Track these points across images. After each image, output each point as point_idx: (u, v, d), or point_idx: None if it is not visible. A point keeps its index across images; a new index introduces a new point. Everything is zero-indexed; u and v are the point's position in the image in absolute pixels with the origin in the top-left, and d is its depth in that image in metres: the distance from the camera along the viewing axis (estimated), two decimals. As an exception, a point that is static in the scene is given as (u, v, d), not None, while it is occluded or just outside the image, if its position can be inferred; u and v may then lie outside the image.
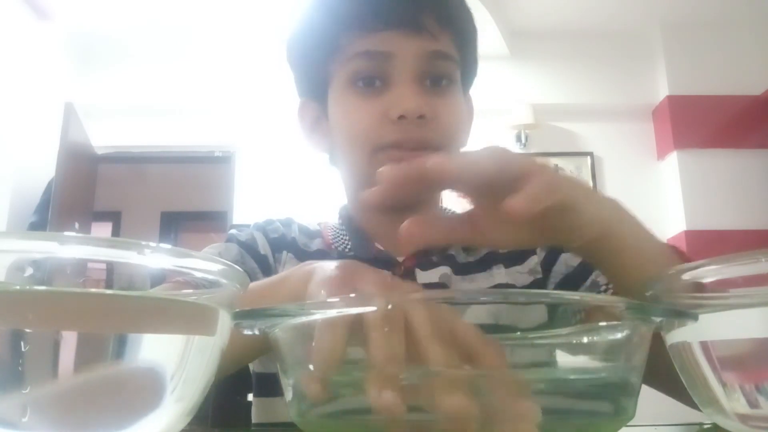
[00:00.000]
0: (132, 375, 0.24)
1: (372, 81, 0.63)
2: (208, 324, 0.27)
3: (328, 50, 0.65)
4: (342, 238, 0.72)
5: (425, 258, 0.69)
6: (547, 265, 0.72)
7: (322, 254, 0.71)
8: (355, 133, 0.64)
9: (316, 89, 0.69)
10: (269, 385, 0.67)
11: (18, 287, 0.23)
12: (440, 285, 0.67)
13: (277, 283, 0.47)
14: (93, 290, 0.25)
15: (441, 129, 0.64)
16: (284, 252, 0.71)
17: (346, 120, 0.65)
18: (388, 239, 0.70)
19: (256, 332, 0.30)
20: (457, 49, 0.66)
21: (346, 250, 0.71)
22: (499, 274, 0.70)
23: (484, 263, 0.72)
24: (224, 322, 0.28)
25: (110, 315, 0.24)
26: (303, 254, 0.71)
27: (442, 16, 0.64)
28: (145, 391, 0.25)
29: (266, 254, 0.70)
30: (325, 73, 0.67)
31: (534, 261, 0.72)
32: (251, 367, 0.71)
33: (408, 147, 0.62)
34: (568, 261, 0.73)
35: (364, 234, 0.71)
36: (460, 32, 0.67)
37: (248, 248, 0.69)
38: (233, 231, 0.73)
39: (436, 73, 0.64)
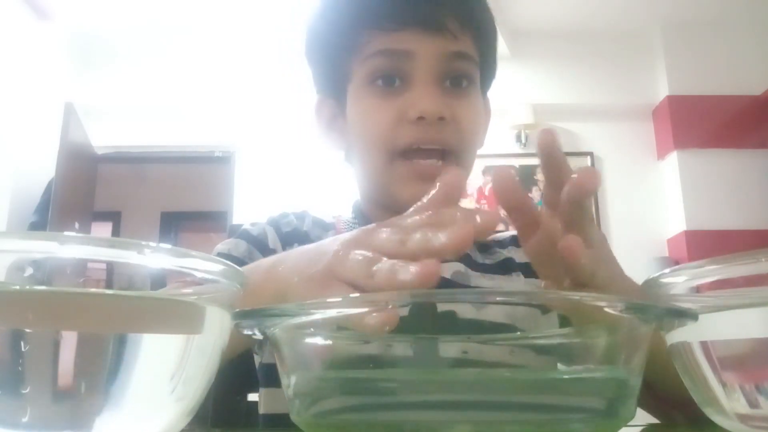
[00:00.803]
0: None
1: (392, 80, 0.63)
2: (211, 325, 0.27)
3: (348, 48, 0.64)
4: None
5: None
6: None
7: None
8: (373, 134, 0.64)
9: (334, 86, 0.69)
10: (277, 376, 0.67)
11: (18, 287, 0.23)
12: (451, 282, 0.67)
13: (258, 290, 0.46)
14: (93, 290, 0.25)
15: (460, 131, 0.63)
16: (296, 244, 0.71)
17: (364, 119, 0.65)
18: None
19: (256, 332, 0.30)
20: (477, 50, 0.65)
21: None
22: (519, 281, 0.70)
23: (503, 268, 0.72)
24: (224, 321, 0.28)
25: (110, 315, 0.24)
26: None
27: (463, 16, 0.63)
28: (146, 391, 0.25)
29: (275, 248, 0.70)
30: (344, 71, 0.66)
31: None
32: (257, 359, 0.71)
33: (426, 149, 0.62)
34: None
35: None
36: (481, 33, 0.66)
37: (257, 243, 0.70)
38: (247, 227, 0.73)
39: (457, 73, 0.64)
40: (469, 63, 0.64)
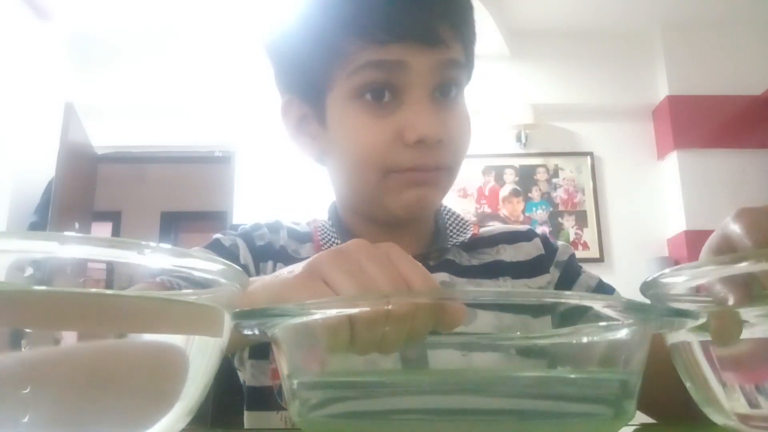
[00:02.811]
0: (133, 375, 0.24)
1: (381, 94, 0.59)
2: (212, 325, 0.27)
3: (331, 55, 0.60)
4: (333, 241, 0.69)
5: (422, 263, 0.67)
6: (563, 286, 0.70)
7: None
8: (365, 153, 0.60)
9: (308, 91, 0.65)
10: (261, 399, 0.65)
11: (18, 287, 0.23)
12: None
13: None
14: (93, 290, 0.25)
15: (455, 149, 0.62)
16: (270, 262, 0.68)
17: (354, 137, 0.61)
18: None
19: (256, 332, 0.30)
20: (465, 55, 0.63)
21: None
22: (506, 286, 0.68)
23: (490, 271, 0.69)
24: (224, 322, 0.28)
25: (110, 315, 0.24)
26: (293, 262, 0.67)
27: (455, 24, 0.60)
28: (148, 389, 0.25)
29: (246, 264, 0.67)
30: (323, 78, 0.62)
31: (546, 279, 0.70)
32: (242, 379, 0.70)
33: (422, 169, 0.60)
34: (588, 282, 0.71)
35: (355, 237, 0.67)
36: (469, 38, 0.64)
37: (229, 255, 0.67)
38: (218, 235, 0.70)
39: (448, 82, 0.61)
40: (460, 69, 0.62)
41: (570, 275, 0.71)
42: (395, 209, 0.62)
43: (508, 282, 0.69)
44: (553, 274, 0.71)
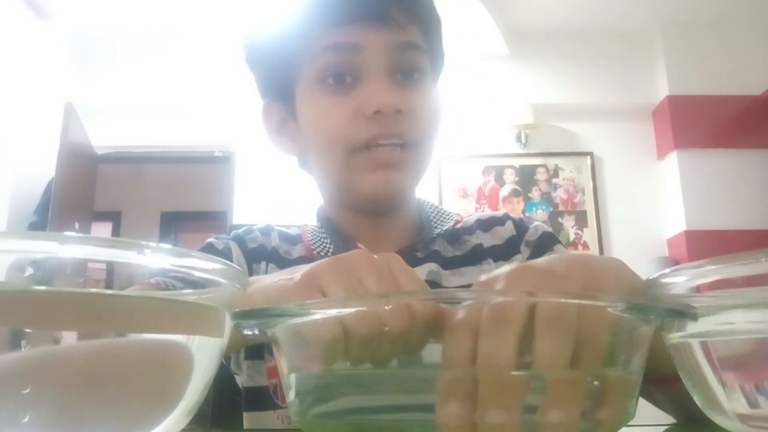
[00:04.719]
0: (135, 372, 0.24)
1: (342, 77, 0.62)
2: (212, 325, 0.27)
3: (294, 49, 0.64)
4: (323, 242, 0.71)
5: (410, 255, 0.68)
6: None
7: (305, 260, 0.69)
8: (329, 133, 0.62)
9: (281, 90, 0.67)
10: (259, 400, 0.66)
11: (18, 287, 0.23)
12: (429, 283, 0.66)
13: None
14: (93, 290, 0.25)
15: (418, 123, 0.63)
16: (263, 262, 0.70)
17: (318, 119, 0.64)
18: (369, 238, 0.68)
19: (256, 332, 0.30)
20: (424, 40, 0.65)
21: (329, 254, 0.69)
22: (489, 269, 0.69)
23: (473, 257, 0.71)
24: (224, 322, 0.28)
25: (110, 315, 0.24)
26: (285, 263, 0.69)
27: (409, 7, 0.63)
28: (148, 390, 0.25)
29: (240, 266, 0.67)
30: (291, 73, 0.65)
31: (519, 259, 0.71)
32: (240, 381, 0.70)
33: (385, 143, 0.61)
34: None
35: (344, 235, 0.70)
36: (427, 22, 0.66)
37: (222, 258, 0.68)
38: (211, 239, 0.72)
39: (407, 65, 0.63)
40: (418, 53, 0.64)
41: (540, 253, 0.71)
42: (364, 190, 0.63)
43: (491, 265, 0.70)
44: (524, 252, 0.72)
